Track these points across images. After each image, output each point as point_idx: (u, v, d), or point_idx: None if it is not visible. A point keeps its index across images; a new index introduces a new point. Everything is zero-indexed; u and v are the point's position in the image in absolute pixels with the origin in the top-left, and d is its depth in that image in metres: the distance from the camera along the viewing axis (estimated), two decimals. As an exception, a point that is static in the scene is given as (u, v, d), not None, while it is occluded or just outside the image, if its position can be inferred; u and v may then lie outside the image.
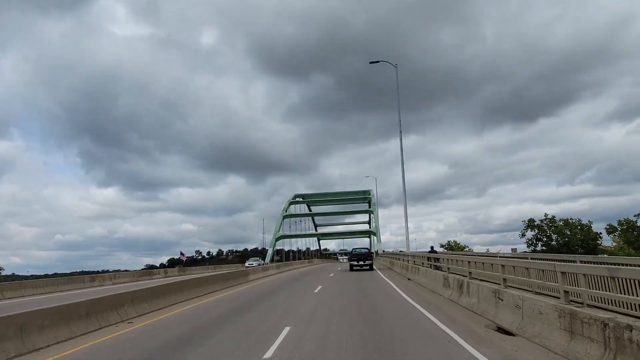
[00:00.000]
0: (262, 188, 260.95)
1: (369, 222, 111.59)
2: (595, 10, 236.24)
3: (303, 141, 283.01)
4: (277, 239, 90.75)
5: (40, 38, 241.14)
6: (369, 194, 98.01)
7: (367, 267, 34.33)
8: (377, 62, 36.96)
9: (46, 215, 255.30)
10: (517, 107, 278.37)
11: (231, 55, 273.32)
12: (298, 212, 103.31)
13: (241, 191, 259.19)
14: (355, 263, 34.73)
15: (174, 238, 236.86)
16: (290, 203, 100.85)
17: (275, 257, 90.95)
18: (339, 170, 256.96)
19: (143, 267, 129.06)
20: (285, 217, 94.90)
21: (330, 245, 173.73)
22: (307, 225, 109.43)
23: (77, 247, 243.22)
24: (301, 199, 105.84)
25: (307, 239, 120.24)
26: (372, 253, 49.73)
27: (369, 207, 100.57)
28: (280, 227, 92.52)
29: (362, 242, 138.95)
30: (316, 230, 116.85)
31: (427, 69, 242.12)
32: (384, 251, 61.64)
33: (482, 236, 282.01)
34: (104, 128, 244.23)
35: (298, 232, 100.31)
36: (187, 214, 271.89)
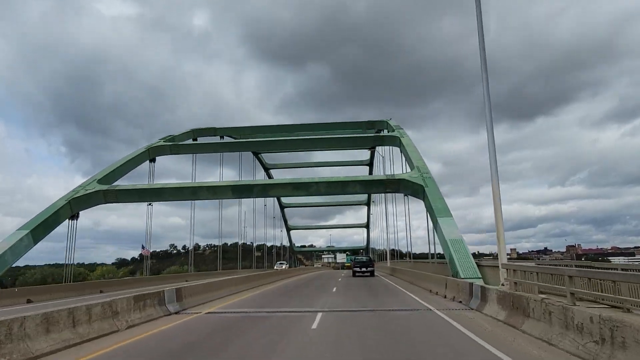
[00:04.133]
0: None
1: (370, 166, 58.57)
2: (601, 4, 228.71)
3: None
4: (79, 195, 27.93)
5: (20, 16, 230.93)
6: (387, 125, 41.16)
7: (368, 274, 37.46)
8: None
9: (29, 205, 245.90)
10: (515, 105, 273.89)
11: (223, 40, 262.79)
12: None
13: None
14: (358, 269, 38.28)
15: (160, 232, 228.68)
16: (195, 132, 43.57)
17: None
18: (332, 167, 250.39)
19: (114, 262, 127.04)
20: (151, 148, 37.77)
21: (319, 242, 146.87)
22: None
23: (62, 239, 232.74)
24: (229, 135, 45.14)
25: (278, 230, 69.51)
26: (374, 260, 51.24)
27: (380, 142, 40.70)
28: (112, 174, 31.44)
29: (354, 241, 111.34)
30: (267, 176, 57.80)
31: (426, 62, 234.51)
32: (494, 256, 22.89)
33: (471, 236, 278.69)
34: (90, 115, 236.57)
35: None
36: (176, 207, 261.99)
